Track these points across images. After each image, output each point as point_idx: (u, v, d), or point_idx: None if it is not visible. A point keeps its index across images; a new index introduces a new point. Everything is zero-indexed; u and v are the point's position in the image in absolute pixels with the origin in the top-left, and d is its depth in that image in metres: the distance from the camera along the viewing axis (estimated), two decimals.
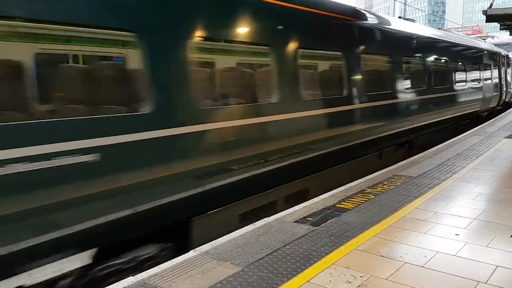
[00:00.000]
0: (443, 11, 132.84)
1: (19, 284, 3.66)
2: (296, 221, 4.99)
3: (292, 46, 6.41)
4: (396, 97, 9.44)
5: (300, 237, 4.51)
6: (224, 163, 5.29)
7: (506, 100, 20.48)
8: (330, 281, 3.56)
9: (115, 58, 4.54)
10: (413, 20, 12.78)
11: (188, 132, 4.81)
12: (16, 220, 3.53)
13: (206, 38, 5.18)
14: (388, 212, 5.28)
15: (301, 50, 6.55)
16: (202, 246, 4.29)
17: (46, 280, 3.83)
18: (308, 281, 3.56)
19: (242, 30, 5.70)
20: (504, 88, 19.59)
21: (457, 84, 13.08)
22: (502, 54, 19.71)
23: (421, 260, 3.95)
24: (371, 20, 9.18)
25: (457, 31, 26.20)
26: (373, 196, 6.00)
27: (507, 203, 5.65)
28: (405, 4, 58.78)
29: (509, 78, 21.28)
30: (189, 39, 4.89)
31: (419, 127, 10.77)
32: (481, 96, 15.56)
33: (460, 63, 13.63)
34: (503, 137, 11.52)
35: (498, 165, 7.99)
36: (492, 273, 3.68)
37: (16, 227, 3.54)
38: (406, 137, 10.35)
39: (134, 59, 4.40)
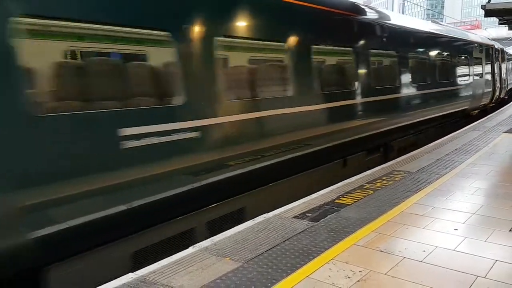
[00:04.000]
0: (442, 6, 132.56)
1: None
2: (295, 217, 4.99)
3: None
4: None
5: (300, 232, 4.51)
6: None
7: None
8: (329, 276, 3.57)
9: None
10: None
11: None
12: None
13: None
14: (387, 207, 5.29)
15: None
16: (201, 242, 4.30)
17: None
18: (307, 276, 3.57)
19: None
20: None
21: None
22: None
23: (420, 255, 3.96)
24: None
25: (456, 26, 32.96)
26: (372, 192, 6.01)
27: (506, 197, 5.66)
28: None
29: None
30: None
31: None
32: None
33: None
34: (502, 132, 11.54)
35: (497, 160, 8.01)
36: (491, 268, 3.69)
37: None
38: None
39: None
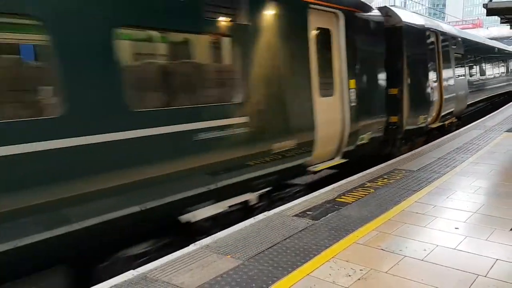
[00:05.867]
0: (444, 5, 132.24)
1: None
2: (296, 215, 5.00)
3: None
4: None
5: (300, 230, 4.52)
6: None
7: None
8: (330, 274, 3.58)
9: None
10: None
11: None
12: None
13: None
14: (388, 206, 5.29)
15: None
16: (202, 240, 4.31)
17: None
18: (308, 274, 3.58)
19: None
20: None
21: None
22: None
23: (421, 253, 3.96)
24: None
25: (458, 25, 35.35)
26: (373, 190, 6.01)
27: (506, 196, 5.66)
28: None
29: None
30: None
31: None
32: None
33: None
34: (503, 131, 11.53)
35: (498, 159, 8.00)
36: (492, 266, 3.69)
37: None
38: None
39: None
